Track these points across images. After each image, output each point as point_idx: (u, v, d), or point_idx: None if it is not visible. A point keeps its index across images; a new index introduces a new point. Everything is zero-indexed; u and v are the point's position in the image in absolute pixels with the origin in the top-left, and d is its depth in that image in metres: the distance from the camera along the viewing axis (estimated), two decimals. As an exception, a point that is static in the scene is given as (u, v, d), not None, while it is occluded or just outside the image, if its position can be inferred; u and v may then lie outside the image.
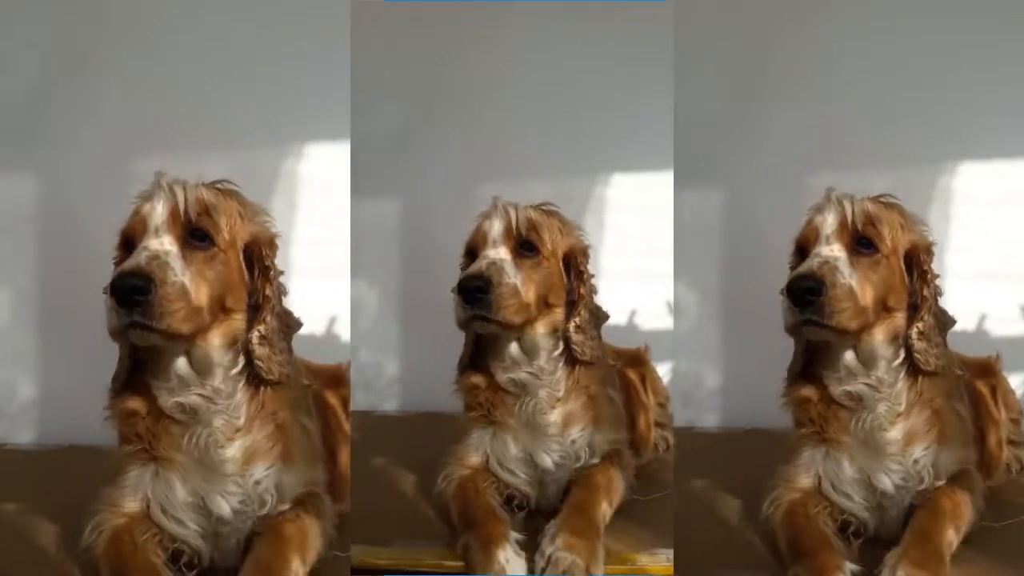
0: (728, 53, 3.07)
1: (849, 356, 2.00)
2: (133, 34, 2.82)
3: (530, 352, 2.22)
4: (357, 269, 3.29)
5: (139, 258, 1.72)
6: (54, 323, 2.85)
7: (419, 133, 3.33)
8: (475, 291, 2.09)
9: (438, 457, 2.26)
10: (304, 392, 2.00)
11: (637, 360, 2.59)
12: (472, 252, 2.21)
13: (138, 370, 1.86)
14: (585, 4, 3.19)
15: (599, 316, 2.34)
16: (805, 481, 2.04)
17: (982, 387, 2.33)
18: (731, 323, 3.14)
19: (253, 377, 1.85)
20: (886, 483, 2.01)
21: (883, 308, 1.98)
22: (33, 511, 2.17)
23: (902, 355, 2.00)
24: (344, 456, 2.16)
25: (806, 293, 1.89)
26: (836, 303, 1.89)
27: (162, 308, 1.68)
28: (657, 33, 2.83)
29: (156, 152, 2.55)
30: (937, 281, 2.04)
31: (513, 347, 2.21)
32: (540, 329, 2.21)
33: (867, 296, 1.93)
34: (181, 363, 1.81)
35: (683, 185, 2.94)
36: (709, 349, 3.14)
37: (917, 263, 2.02)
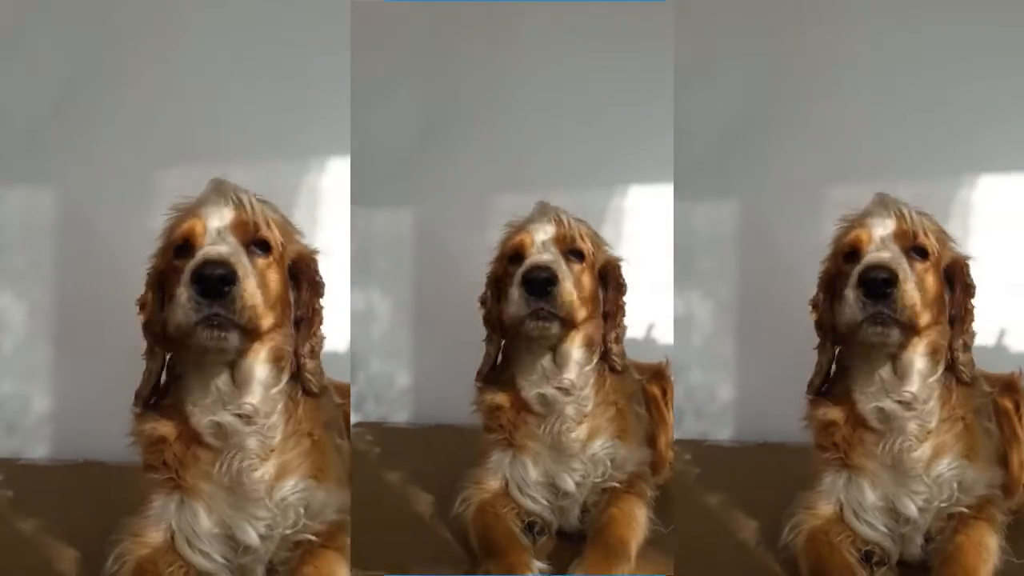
0: (746, 62, 3.05)
1: (886, 370, 1.97)
2: (150, 48, 2.80)
3: (562, 364, 2.17)
4: (370, 278, 3.28)
5: (220, 249, 1.69)
6: (70, 337, 2.83)
7: (433, 142, 3.31)
8: (545, 283, 2.04)
9: (454, 474, 2.22)
10: (337, 411, 1.97)
11: (659, 375, 2.55)
12: (516, 256, 2.14)
13: (165, 389, 1.83)
14: (598, 10, 3.17)
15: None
16: (826, 508, 2.00)
17: (1006, 403, 2.29)
18: (745, 335, 3.12)
19: (291, 394, 1.83)
20: (910, 508, 1.97)
21: (932, 321, 1.96)
22: (51, 531, 2.13)
23: (940, 369, 1.98)
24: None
25: (883, 284, 1.85)
26: (908, 296, 1.86)
27: (243, 301, 1.65)
28: (666, 43, 2.82)
29: (174, 166, 2.52)
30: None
31: (546, 359, 2.17)
32: (576, 340, 2.17)
33: (924, 298, 1.92)
34: (223, 378, 1.77)
35: (696, 196, 2.92)
36: (723, 361, 3.11)
37: (960, 276, 2.02)
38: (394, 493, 2.48)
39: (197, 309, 1.64)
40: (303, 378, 1.83)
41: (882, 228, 1.96)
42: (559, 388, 2.17)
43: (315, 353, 1.85)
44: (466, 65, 3.29)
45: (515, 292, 2.07)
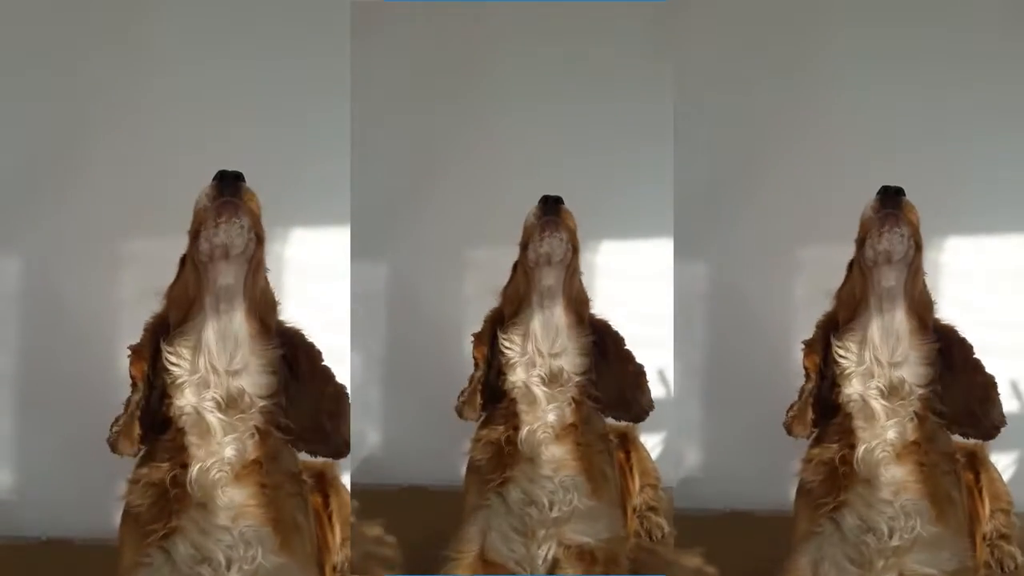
0: (718, 124, 3.06)
1: (880, 336, 2.09)
2: (119, 114, 2.77)
3: (562, 339, 2.32)
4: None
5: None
6: (33, 407, 2.75)
7: (409, 195, 3.30)
8: (556, 200, 2.38)
9: (422, 539, 2.22)
10: (301, 489, 1.95)
11: (625, 438, 2.55)
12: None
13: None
14: (584, 61, 3.19)
15: None
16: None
17: (968, 475, 2.29)
18: (714, 396, 3.10)
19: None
20: (880, 524, 2.01)
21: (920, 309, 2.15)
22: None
23: (929, 387, 2.09)
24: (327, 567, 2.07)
25: (895, 192, 2.14)
26: (911, 208, 2.15)
27: (252, 206, 1.89)
28: (653, 96, 2.84)
29: (142, 234, 2.50)
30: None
31: (547, 335, 2.31)
32: (571, 325, 2.35)
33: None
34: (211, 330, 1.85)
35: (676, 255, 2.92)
36: (689, 425, 3.09)
37: (951, 335, 2.20)
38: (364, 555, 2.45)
39: (214, 196, 1.86)
40: (336, 441, 1.94)
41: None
42: (542, 376, 2.29)
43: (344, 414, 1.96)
44: (439, 119, 3.28)
45: (532, 210, 2.38)
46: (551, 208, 2.38)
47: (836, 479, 2.05)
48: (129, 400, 1.85)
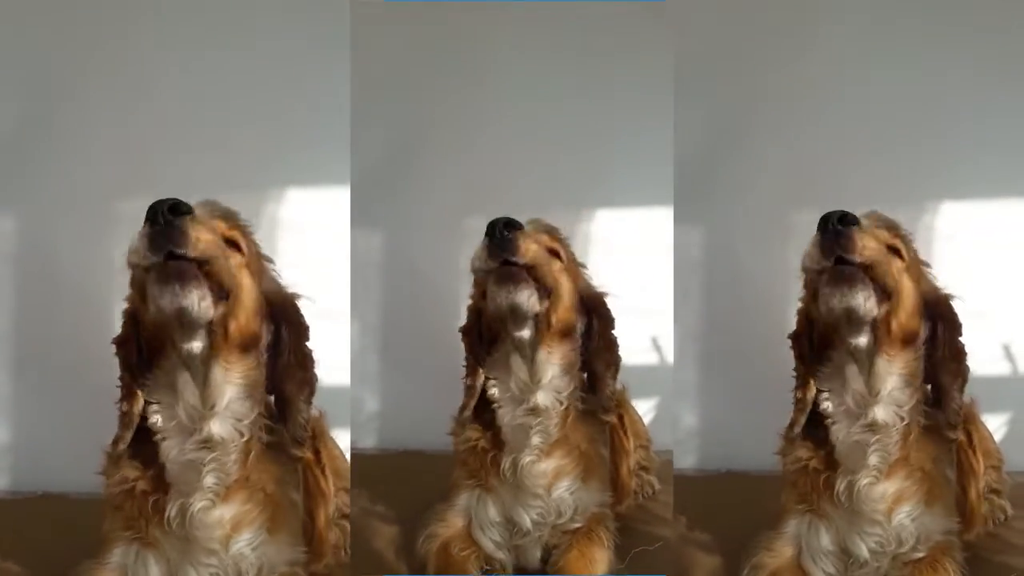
0: (714, 90, 3.06)
1: (858, 383, 1.91)
2: (115, 70, 2.77)
3: (537, 377, 2.10)
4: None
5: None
6: (29, 365, 2.78)
7: (406, 164, 3.31)
8: (506, 225, 1.94)
9: (419, 505, 2.22)
10: (294, 465, 1.87)
11: (619, 403, 2.54)
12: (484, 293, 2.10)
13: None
14: (583, 38, 3.19)
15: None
16: (787, 551, 1.99)
17: (960, 434, 2.28)
18: (710, 362, 3.12)
19: (251, 439, 1.75)
20: (861, 549, 1.95)
21: (908, 339, 1.92)
22: (7, 568, 2.10)
23: (912, 401, 1.93)
24: (322, 515, 2.03)
25: (839, 221, 1.75)
26: (868, 240, 1.78)
27: (198, 238, 1.56)
28: (653, 68, 2.84)
29: (139, 192, 2.50)
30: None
31: (522, 370, 2.10)
32: (555, 352, 2.11)
33: (900, 282, 1.87)
34: (191, 391, 1.69)
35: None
36: (687, 389, 3.11)
37: (943, 311, 1.99)
38: (356, 525, 2.46)
39: (150, 246, 1.55)
40: (293, 428, 1.76)
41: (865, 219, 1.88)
42: (530, 409, 2.11)
43: (310, 404, 1.79)
44: (439, 87, 3.30)
45: (480, 247, 2.00)
46: (504, 243, 1.95)
47: (814, 476, 1.98)
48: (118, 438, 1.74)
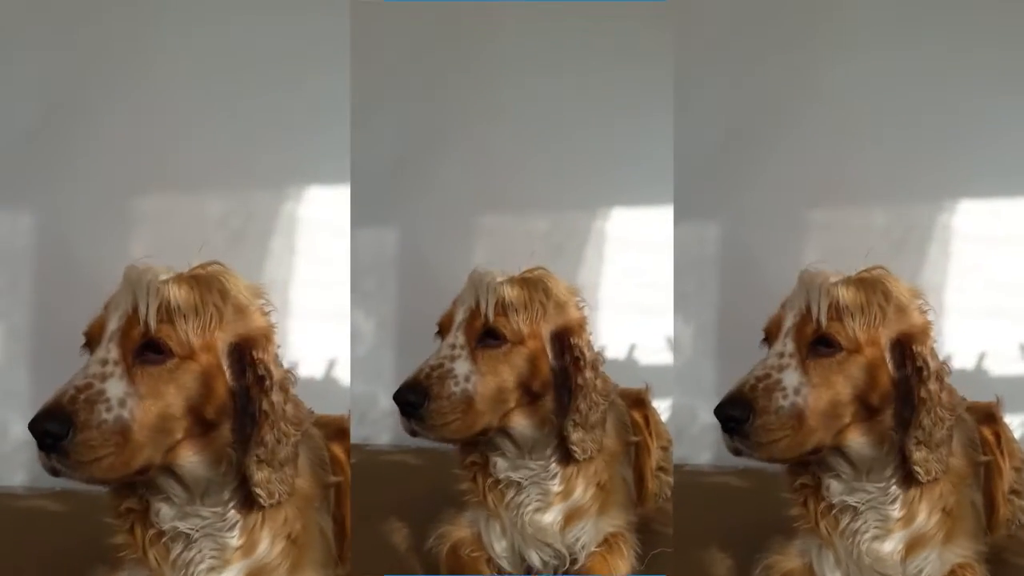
0: (728, 86, 3.05)
1: (840, 461, 1.77)
2: (132, 73, 2.79)
3: (522, 446, 1.99)
4: (353, 299, 3.27)
5: (61, 397, 1.52)
6: (47, 361, 2.80)
7: (418, 162, 3.31)
8: (408, 404, 1.85)
9: (432, 503, 2.20)
10: (324, 492, 1.76)
11: (640, 401, 2.52)
12: (441, 333, 1.98)
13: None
14: (586, 33, 3.18)
15: (607, 391, 2.06)
16: (797, 561, 1.90)
17: (987, 434, 2.25)
18: (727, 358, 3.11)
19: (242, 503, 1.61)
20: None
21: (863, 409, 1.72)
22: (26, 563, 2.10)
23: (893, 464, 1.76)
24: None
25: (729, 421, 1.65)
26: (766, 432, 1.64)
27: (81, 451, 1.45)
28: (658, 65, 2.83)
29: (154, 189, 2.52)
30: (942, 365, 1.76)
31: (506, 442, 1.99)
32: (522, 422, 1.96)
33: (818, 410, 1.67)
34: (175, 488, 1.58)
35: (678, 219, 2.93)
36: (704, 384, 3.11)
37: (909, 355, 1.72)
38: (371, 519, 2.47)
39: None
40: (252, 492, 1.58)
41: (787, 319, 1.74)
42: (523, 468, 2.01)
43: (264, 463, 1.58)
44: (451, 86, 3.30)
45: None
46: (416, 420, 1.84)
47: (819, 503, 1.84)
48: None
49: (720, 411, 1.66)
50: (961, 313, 2.82)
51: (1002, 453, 2.21)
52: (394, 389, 3.26)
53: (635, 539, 2.14)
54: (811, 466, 1.79)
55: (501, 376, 1.92)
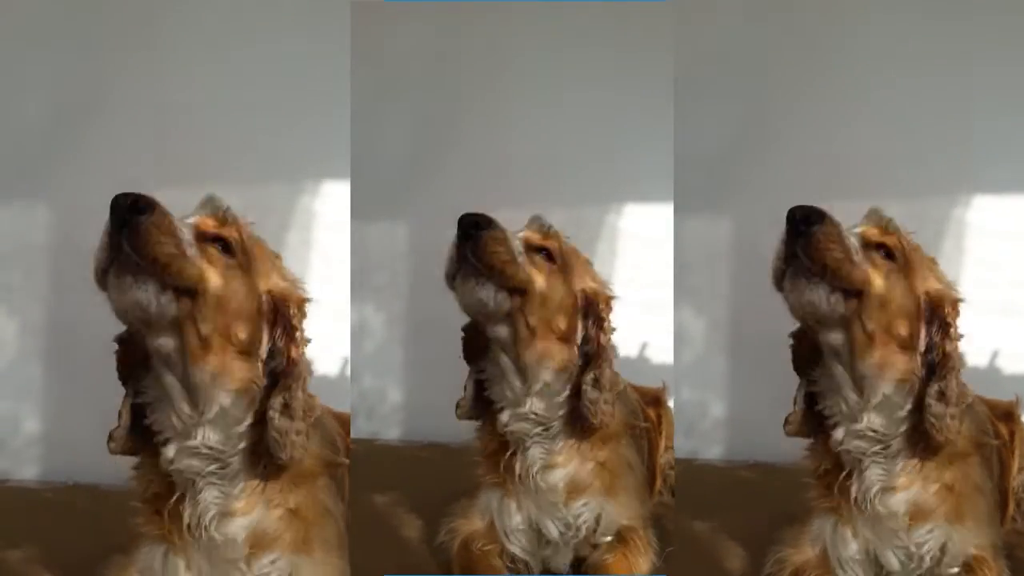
0: (734, 79, 3.04)
1: (851, 393, 1.82)
2: (145, 67, 2.79)
3: (530, 383, 2.00)
4: (364, 293, 3.27)
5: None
6: (61, 356, 2.81)
7: (428, 156, 3.30)
8: (472, 225, 1.84)
9: (443, 497, 2.21)
10: (335, 473, 1.78)
11: (656, 401, 2.48)
12: None
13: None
14: (591, 30, 3.18)
15: (616, 382, 2.09)
16: (810, 551, 1.93)
17: (1002, 431, 2.25)
18: (738, 353, 3.11)
19: (255, 447, 1.65)
20: (891, 561, 1.87)
21: (898, 342, 1.80)
22: (37, 556, 2.10)
23: (908, 405, 1.82)
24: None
25: (801, 222, 1.68)
26: (827, 241, 1.68)
27: (156, 241, 1.51)
28: (662, 60, 2.82)
29: (168, 185, 2.50)
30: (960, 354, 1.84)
31: (516, 380, 2.01)
32: (544, 356, 1.99)
33: (877, 281, 1.76)
34: (181, 402, 1.61)
35: (690, 213, 2.92)
36: (715, 379, 3.10)
37: (940, 314, 1.83)
38: (382, 513, 2.47)
39: (107, 247, 1.55)
40: (268, 438, 1.61)
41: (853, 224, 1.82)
42: (525, 418, 2.03)
43: (288, 410, 1.61)
44: (459, 80, 3.29)
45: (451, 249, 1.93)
46: (472, 243, 1.85)
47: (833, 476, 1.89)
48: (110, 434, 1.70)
49: (796, 209, 1.70)
50: (975, 309, 2.79)
51: (1012, 453, 2.21)
52: (403, 385, 3.30)
53: (653, 536, 2.14)
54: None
55: (551, 283, 1.98)
